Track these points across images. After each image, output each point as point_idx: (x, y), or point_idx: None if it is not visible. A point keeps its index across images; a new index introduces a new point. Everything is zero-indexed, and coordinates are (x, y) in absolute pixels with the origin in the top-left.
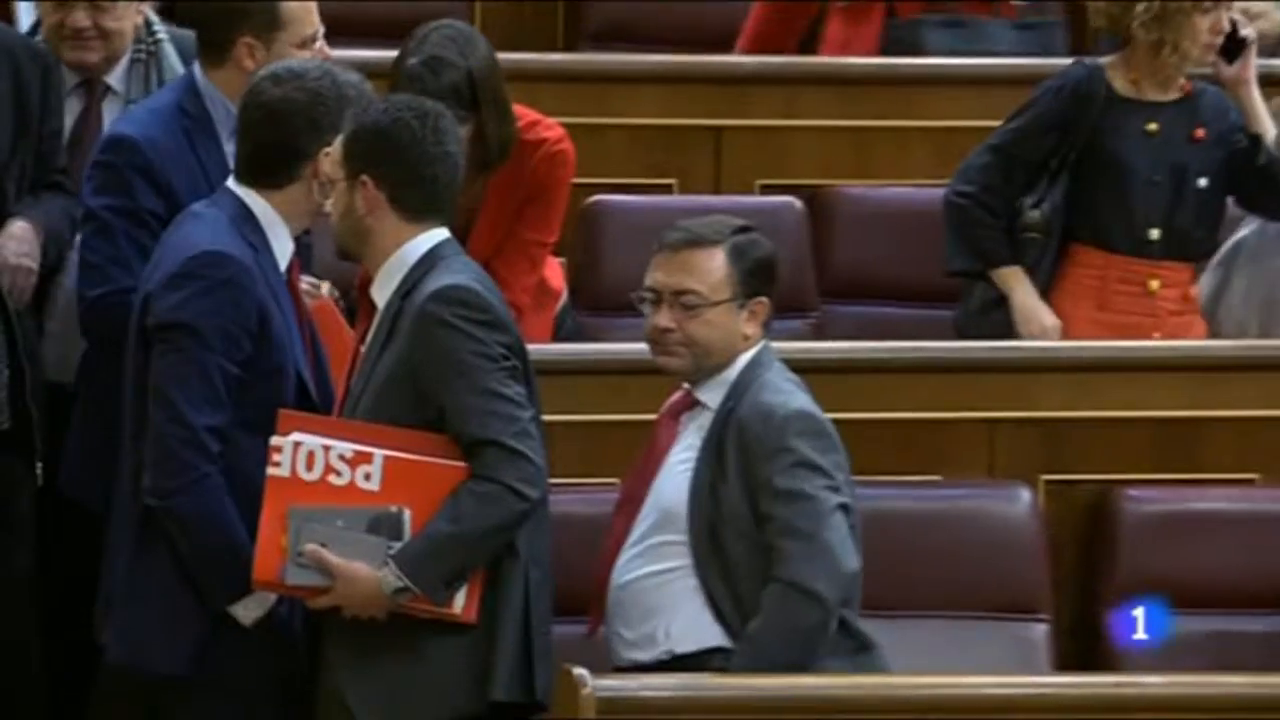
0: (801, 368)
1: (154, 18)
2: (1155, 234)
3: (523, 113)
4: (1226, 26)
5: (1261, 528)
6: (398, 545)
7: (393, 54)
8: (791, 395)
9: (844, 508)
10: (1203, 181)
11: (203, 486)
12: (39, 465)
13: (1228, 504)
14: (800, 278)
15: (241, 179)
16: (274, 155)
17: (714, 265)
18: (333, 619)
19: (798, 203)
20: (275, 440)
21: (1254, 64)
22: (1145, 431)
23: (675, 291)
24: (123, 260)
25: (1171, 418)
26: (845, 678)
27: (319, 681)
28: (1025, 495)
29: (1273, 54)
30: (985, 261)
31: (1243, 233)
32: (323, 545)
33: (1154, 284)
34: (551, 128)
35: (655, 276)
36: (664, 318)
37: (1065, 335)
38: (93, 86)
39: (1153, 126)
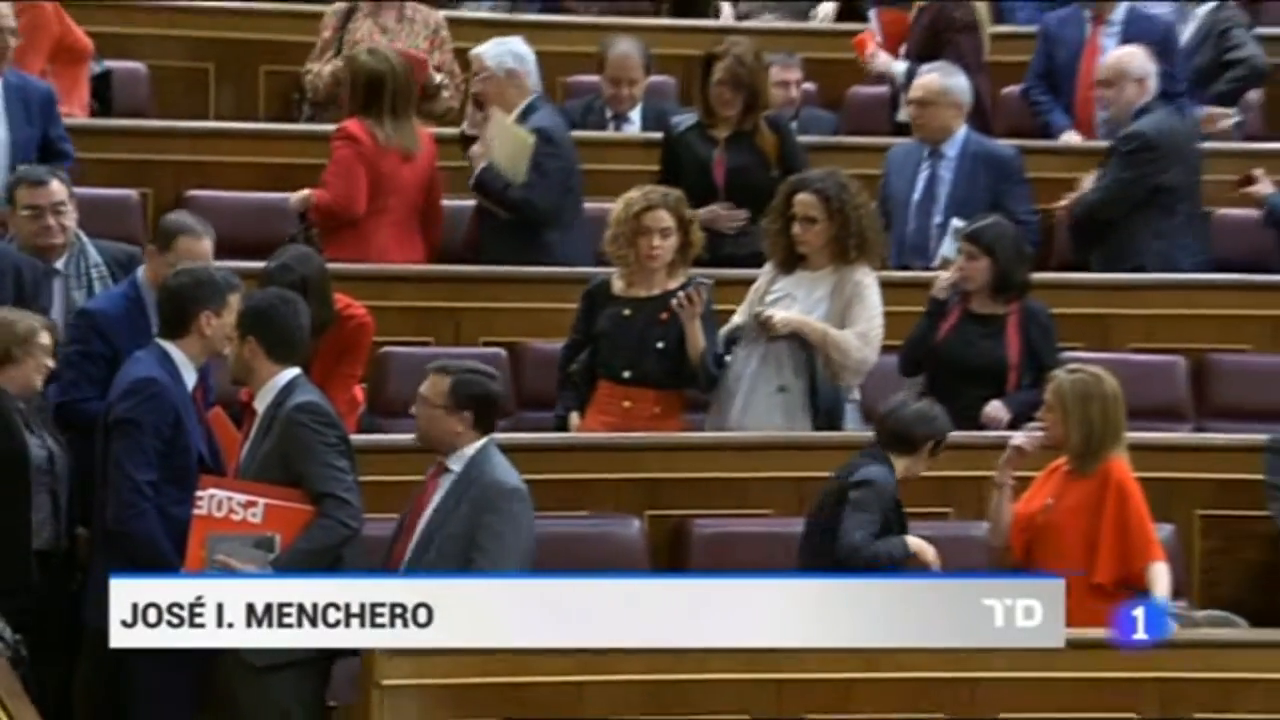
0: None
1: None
2: (627, 374)
3: (341, 299)
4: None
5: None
6: (272, 556)
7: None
8: (502, 472)
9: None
10: (661, 345)
11: (141, 516)
12: None
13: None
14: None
15: (160, 335)
16: (174, 319)
17: (443, 388)
18: None
19: (503, 352)
20: (199, 492)
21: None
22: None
23: (420, 398)
24: (79, 382)
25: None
26: None
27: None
28: (636, 523)
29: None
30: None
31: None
32: (228, 555)
33: (626, 404)
34: (359, 308)
35: (419, 391)
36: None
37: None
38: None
39: (628, 312)
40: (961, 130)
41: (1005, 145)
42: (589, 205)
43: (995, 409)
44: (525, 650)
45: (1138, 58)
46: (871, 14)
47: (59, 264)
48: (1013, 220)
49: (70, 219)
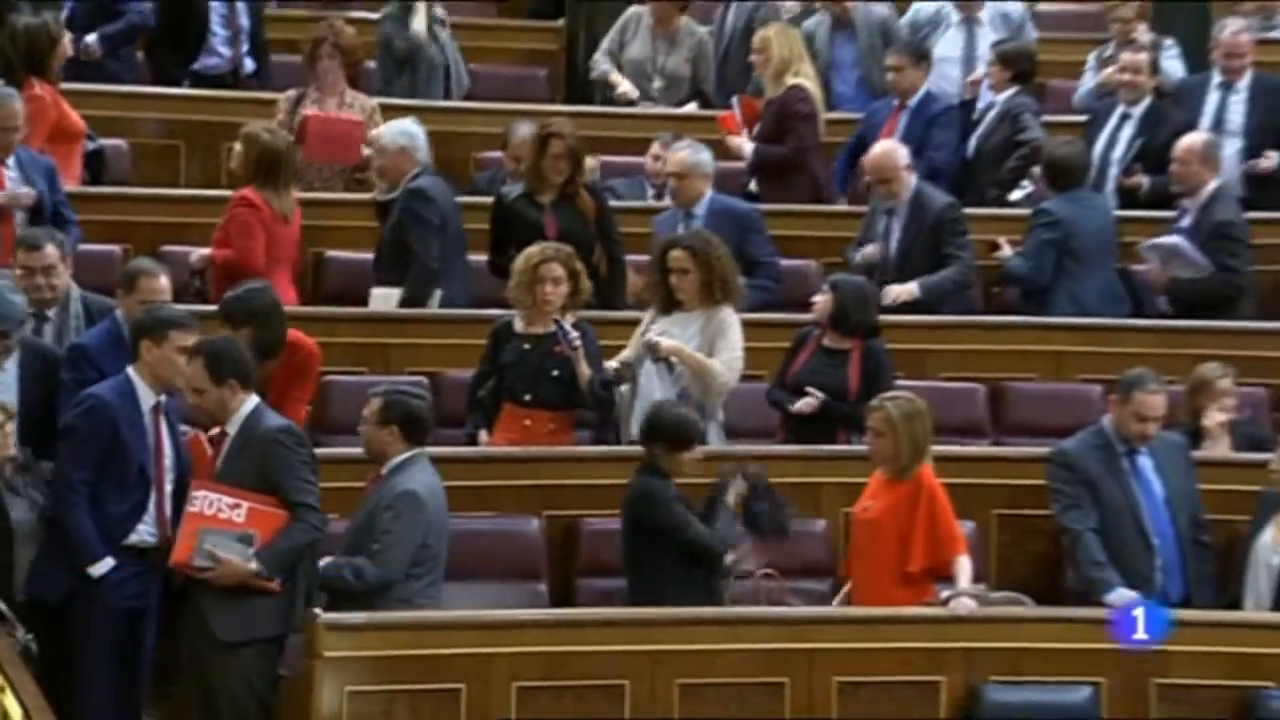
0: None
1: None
2: (527, 398)
3: (293, 333)
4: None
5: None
6: (251, 550)
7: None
8: (415, 476)
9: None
10: (556, 372)
11: (71, 509)
12: None
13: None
14: None
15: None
16: (131, 348)
17: (376, 407)
18: (205, 585)
19: (425, 379)
20: (194, 492)
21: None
22: None
23: (362, 417)
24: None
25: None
26: None
27: (191, 617)
28: (535, 522)
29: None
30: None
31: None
32: (214, 547)
33: (526, 422)
34: (309, 341)
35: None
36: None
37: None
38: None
39: (527, 346)
40: (708, 193)
41: (743, 203)
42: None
43: (806, 403)
44: (441, 625)
45: (897, 153)
46: (734, 100)
47: (50, 312)
48: (754, 262)
49: (60, 278)
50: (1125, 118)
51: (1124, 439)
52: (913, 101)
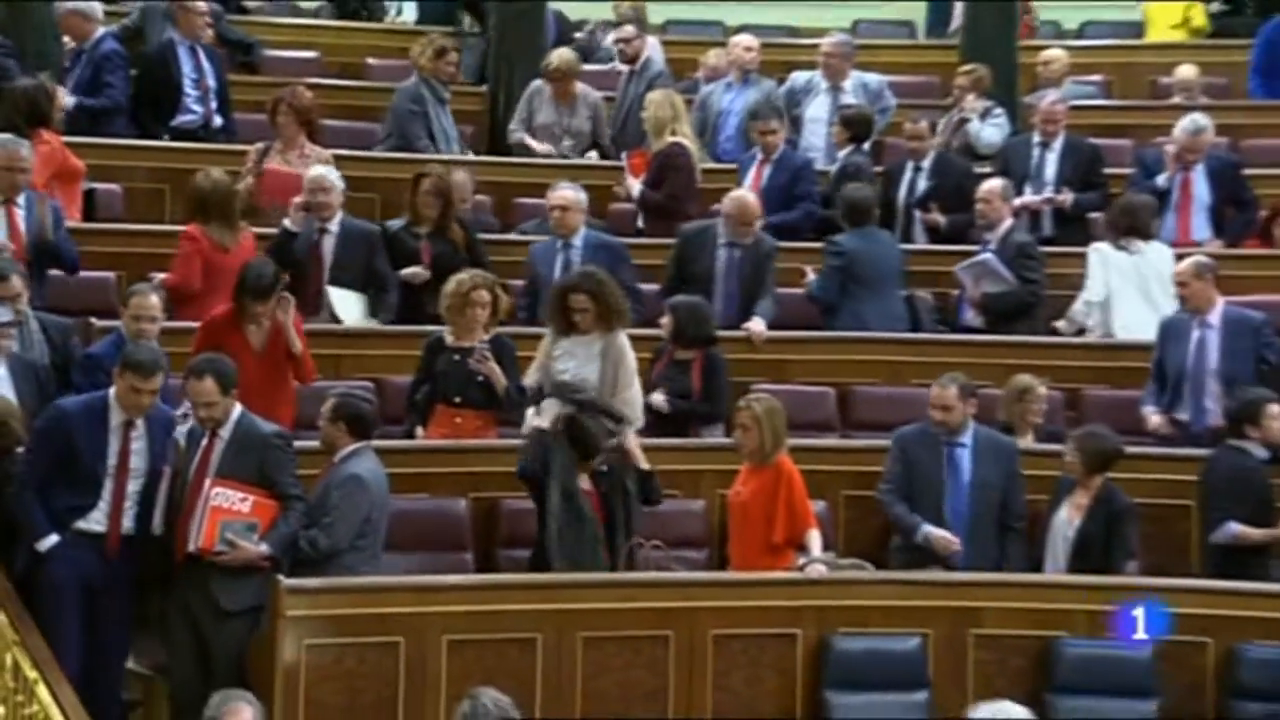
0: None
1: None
2: (457, 400)
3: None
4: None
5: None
6: (256, 536)
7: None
8: (360, 464)
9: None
10: (480, 379)
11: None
12: None
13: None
14: None
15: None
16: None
17: (329, 407)
18: (214, 566)
19: (371, 384)
20: (215, 489)
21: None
22: None
23: (320, 415)
24: None
25: None
26: None
27: (195, 593)
28: (462, 503)
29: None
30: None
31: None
32: (234, 535)
33: (456, 420)
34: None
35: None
36: None
37: None
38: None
39: (456, 357)
40: (583, 228)
41: (615, 238)
42: None
43: (657, 401)
44: (384, 589)
45: (746, 200)
46: (624, 155)
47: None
48: (623, 288)
49: (24, 304)
50: (917, 170)
51: (943, 430)
52: (774, 154)
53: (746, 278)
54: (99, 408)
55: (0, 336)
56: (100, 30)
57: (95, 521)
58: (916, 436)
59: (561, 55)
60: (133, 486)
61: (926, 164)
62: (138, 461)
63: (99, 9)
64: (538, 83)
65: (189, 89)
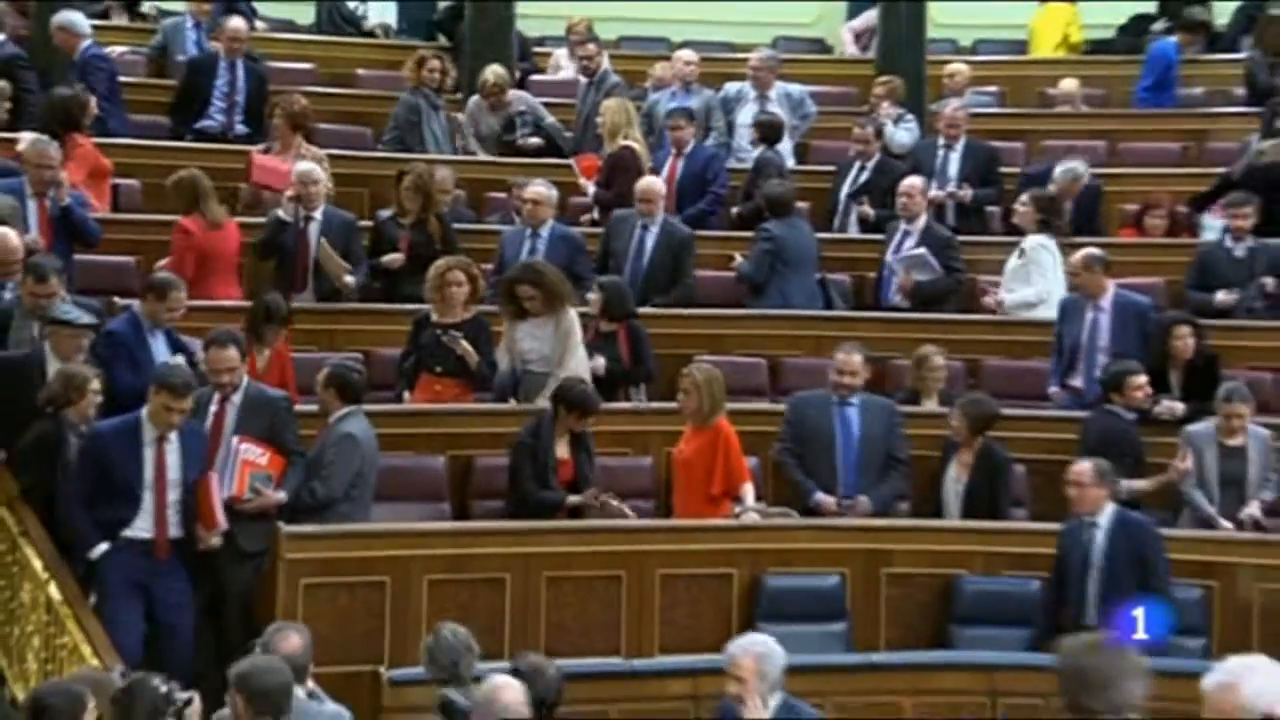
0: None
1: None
2: (439, 370)
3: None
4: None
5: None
6: (272, 485)
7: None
8: (352, 425)
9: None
10: (459, 353)
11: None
12: None
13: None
14: None
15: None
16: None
17: (323, 375)
18: (234, 512)
19: (362, 355)
20: (244, 445)
21: None
22: None
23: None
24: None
25: None
26: None
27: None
28: (441, 459)
29: None
30: None
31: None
32: (261, 485)
33: (437, 388)
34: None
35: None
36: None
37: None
38: None
39: (439, 332)
40: (551, 221)
41: (576, 231)
42: None
43: (596, 364)
44: (372, 534)
45: (650, 183)
46: (573, 159)
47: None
48: (579, 276)
49: (57, 300)
50: (862, 169)
51: (846, 392)
52: (687, 150)
53: (654, 260)
54: (132, 427)
55: (78, 336)
56: (87, 42)
57: (141, 529)
58: (808, 400)
59: (495, 71)
60: (172, 496)
61: (871, 164)
62: (174, 473)
63: (85, 24)
64: (475, 99)
65: (217, 99)
